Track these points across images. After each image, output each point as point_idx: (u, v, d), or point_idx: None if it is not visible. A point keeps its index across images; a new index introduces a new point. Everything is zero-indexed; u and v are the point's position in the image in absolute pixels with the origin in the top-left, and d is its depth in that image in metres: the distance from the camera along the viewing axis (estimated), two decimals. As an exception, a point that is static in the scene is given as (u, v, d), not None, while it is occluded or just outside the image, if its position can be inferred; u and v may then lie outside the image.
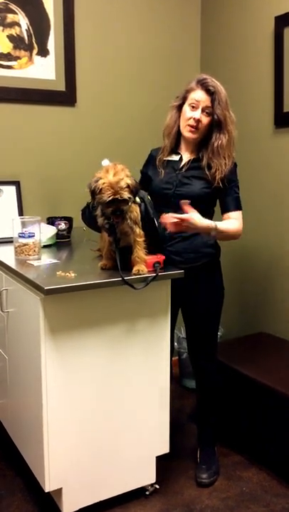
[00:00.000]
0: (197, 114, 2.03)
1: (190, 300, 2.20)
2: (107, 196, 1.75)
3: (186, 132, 2.09)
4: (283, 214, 2.74)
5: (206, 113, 2.04)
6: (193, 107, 2.04)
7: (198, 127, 2.06)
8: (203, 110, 2.04)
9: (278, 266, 2.80)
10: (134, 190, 1.80)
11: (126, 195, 1.76)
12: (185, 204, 1.94)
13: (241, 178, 2.18)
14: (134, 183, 1.80)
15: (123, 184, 1.75)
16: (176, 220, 1.91)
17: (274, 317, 2.84)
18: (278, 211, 2.77)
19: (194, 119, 2.04)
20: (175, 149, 2.17)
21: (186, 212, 1.93)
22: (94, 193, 1.78)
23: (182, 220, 1.91)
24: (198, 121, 2.04)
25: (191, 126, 2.06)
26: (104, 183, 1.75)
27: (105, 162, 1.84)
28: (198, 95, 2.03)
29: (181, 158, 2.15)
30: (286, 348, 2.61)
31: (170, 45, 3.15)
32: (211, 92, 2.01)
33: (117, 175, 1.76)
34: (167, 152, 2.17)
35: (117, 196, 1.75)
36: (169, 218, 1.92)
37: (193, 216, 1.93)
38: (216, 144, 2.04)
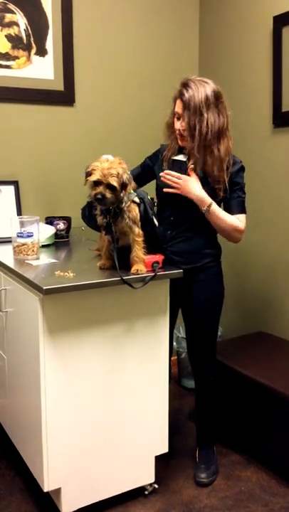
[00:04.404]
0: (178, 124, 2.06)
1: (190, 300, 2.20)
2: (94, 177, 1.78)
3: (179, 141, 2.11)
4: (282, 214, 2.74)
5: None
6: (177, 118, 2.06)
7: (185, 135, 2.06)
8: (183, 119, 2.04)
9: (278, 266, 2.80)
10: (122, 182, 1.80)
11: (112, 181, 1.77)
12: (191, 169, 2.03)
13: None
14: (126, 176, 1.81)
15: (113, 172, 1.78)
16: (173, 177, 1.99)
17: (273, 317, 2.85)
18: (277, 211, 2.77)
19: (178, 130, 2.06)
20: (183, 149, 2.17)
21: (189, 175, 2.02)
22: (86, 175, 1.82)
23: (179, 178, 2.00)
24: (183, 130, 2.05)
25: (179, 135, 2.08)
26: (96, 166, 1.80)
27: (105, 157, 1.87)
28: (178, 105, 2.04)
29: (188, 159, 2.14)
30: (285, 348, 2.62)
31: (169, 44, 3.15)
32: (183, 100, 2.02)
33: (112, 164, 1.80)
34: (172, 151, 2.17)
35: (102, 179, 1.77)
36: (168, 175, 2.00)
37: (191, 179, 2.00)
38: (188, 149, 2.06)
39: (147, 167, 2.27)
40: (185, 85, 2.02)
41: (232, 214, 2.10)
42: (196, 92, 2.00)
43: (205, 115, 2.00)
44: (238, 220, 2.09)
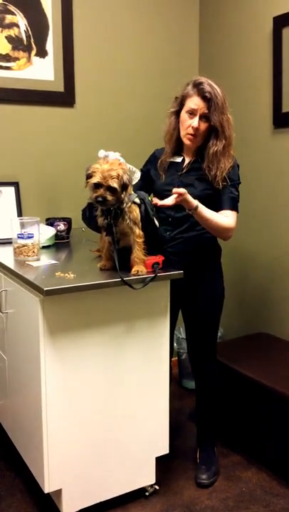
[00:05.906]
0: (195, 122, 2.01)
1: (190, 301, 2.20)
2: (95, 179, 1.78)
3: (186, 140, 2.08)
4: (283, 214, 2.74)
5: (204, 119, 2.02)
6: (190, 113, 2.02)
7: (197, 135, 2.05)
8: (200, 117, 2.01)
9: (278, 266, 2.80)
10: (123, 183, 1.80)
11: (113, 183, 1.77)
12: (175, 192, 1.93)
13: (240, 178, 2.17)
14: (126, 177, 1.81)
15: (114, 174, 1.78)
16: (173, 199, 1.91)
17: (274, 317, 2.85)
18: (278, 211, 2.77)
19: (193, 127, 2.02)
20: (178, 151, 2.17)
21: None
22: (86, 177, 1.82)
23: (180, 194, 1.90)
24: (196, 129, 2.03)
25: (190, 134, 2.05)
26: (96, 169, 1.79)
27: (101, 153, 1.86)
28: (195, 102, 2.00)
29: (183, 160, 2.15)
30: (286, 348, 2.61)
31: (169, 45, 3.15)
32: (207, 99, 1.99)
33: (112, 165, 1.80)
34: (169, 156, 2.16)
35: (103, 181, 1.77)
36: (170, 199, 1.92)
37: (185, 190, 1.93)
38: (211, 151, 2.03)
39: (146, 176, 2.25)
40: (202, 84, 2.00)
41: (222, 209, 2.06)
42: (216, 91, 2.00)
43: (228, 115, 2.02)
44: (226, 218, 2.04)
